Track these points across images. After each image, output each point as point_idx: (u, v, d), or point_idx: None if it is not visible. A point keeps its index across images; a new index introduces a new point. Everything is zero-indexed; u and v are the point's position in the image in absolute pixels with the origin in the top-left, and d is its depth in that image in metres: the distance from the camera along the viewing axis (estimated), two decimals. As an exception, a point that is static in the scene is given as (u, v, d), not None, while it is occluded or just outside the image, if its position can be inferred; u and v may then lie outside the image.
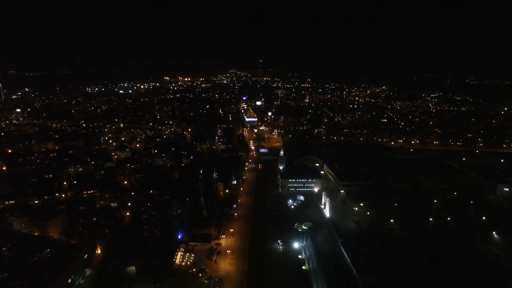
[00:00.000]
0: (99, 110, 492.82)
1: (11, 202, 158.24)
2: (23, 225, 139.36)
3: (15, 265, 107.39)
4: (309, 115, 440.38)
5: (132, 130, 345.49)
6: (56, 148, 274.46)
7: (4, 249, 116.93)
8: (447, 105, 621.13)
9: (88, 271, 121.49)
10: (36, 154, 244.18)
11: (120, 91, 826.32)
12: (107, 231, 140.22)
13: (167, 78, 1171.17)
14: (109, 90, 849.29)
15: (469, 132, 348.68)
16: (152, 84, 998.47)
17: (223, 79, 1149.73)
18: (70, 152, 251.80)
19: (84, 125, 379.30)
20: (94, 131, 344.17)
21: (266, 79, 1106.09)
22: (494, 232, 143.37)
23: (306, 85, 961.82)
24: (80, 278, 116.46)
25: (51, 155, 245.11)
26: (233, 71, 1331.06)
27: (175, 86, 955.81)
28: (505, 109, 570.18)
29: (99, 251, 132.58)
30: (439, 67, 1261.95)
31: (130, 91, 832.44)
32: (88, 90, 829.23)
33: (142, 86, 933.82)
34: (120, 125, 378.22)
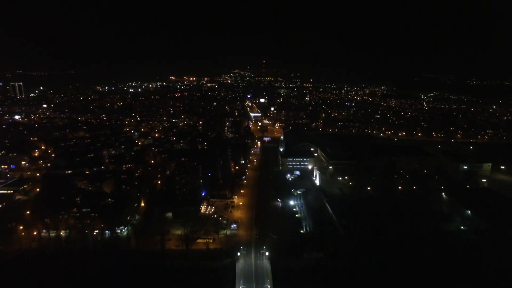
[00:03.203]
0: (115, 106, 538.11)
1: (69, 171, 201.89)
2: (83, 186, 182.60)
3: (91, 205, 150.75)
4: (309, 111, 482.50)
5: (150, 122, 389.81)
6: (87, 136, 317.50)
7: (77, 199, 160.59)
8: (440, 103, 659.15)
9: (137, 217, 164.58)
10: (74, 140, 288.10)
11: (130, 90, 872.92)
12: (147, 191, 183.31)
13: (173, 77, 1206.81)
14: (119, 89, 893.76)
15: (452, 126, 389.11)
16: (159, 83, 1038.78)
17: (227, 79, 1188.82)
18: (101, 139, 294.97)
19: (105, 118, 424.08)
20: (116, 123, 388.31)
21: (270, 79, 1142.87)
22: (443, 194, 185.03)
23: (308, 84, 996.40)
24: (133, 219, 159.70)
25: (86, 141, 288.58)
26: (236, 71, 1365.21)
27: (181, 85, 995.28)
28: (494, 107, 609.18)
29: (142, 204, 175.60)
30: (443, 68, 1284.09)
31: (139, 90, 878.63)
32: (99, 88, 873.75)
33: (150, 85, 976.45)
34: (137, 118, 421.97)
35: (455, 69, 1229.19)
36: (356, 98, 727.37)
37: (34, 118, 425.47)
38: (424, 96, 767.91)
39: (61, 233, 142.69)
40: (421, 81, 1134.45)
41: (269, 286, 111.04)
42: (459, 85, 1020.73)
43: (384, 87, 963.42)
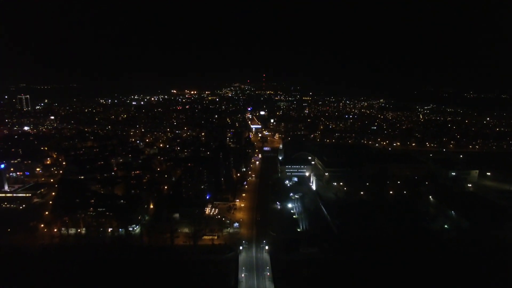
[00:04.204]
0: (120, 118, 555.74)
1: (82, 177, 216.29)
2: (96, 190, 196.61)
3: (106, 206, 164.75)
4: (307, 123, 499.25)
5: (155, 133, 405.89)
6: (95, 145, 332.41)
7: (92, 201, 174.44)
8: (435, 115, 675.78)
9: (147, 217, 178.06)
10: (83, 149, 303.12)
11: (133, 103, 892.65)
12: (155, 195, 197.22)
13: (174, 91, 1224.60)
14: (122, 102, 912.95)
15: (445, 137, 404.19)
16: (161, 96, 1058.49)
17: (228, 92, 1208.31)
18: (109, 148, 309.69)
19: (111, 129, 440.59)
20: (122, 134, 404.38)
21: (269, 92, 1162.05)
22: (430, 196, 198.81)
23: (308, 98, 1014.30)
24: (143, 219, 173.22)
25: (94, 150, 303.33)
26: (237, 84, 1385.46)
27: (183, 99, 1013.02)
28: (488, 118, 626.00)
29: (151, 206, 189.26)
30: (442, 81, 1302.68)
31: (142, 103, 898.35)
32: (103, 101, 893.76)
33: (152, 98, 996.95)
34: (142, 130, 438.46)
35: (454, 82, 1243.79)
36: (354, 110, 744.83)
37: (42, 129, 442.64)
38: (420, 109, 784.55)
39: (79, 230, 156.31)
40: (419, 94, 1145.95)
41: (268, 273, 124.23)
42: (457, 98, 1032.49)
43: (382, 100, 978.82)
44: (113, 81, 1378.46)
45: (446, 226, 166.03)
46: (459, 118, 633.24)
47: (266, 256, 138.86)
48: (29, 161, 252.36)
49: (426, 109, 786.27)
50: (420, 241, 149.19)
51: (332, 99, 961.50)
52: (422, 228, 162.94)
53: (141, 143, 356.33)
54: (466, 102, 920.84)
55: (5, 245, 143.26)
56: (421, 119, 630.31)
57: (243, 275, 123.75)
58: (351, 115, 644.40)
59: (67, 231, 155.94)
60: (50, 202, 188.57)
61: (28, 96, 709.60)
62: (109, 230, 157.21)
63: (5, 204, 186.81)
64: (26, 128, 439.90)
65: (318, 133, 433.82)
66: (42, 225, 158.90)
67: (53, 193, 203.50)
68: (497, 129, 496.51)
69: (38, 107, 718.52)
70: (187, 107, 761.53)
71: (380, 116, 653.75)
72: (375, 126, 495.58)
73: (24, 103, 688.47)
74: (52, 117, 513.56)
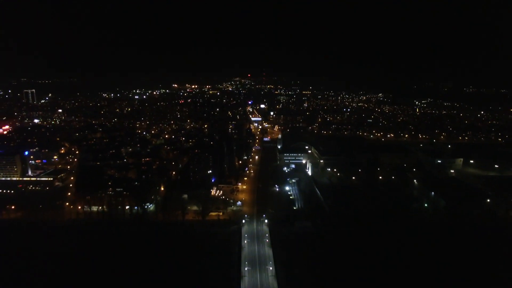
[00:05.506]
0: (125, 111, 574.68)
1: (98, 163, 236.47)
2: (112, 175, 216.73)
3: (123, 186, 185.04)
4: (306, 116, 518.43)
5: (160, 125, 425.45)
6: (105, 136, 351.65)
7: (109, 183, 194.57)
8: (431, 109, 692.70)
9: (158, 198, 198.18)
10: (94, 140, 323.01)
11: (136, 97, 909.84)
12: (165, 179, 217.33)
13: (176, 85, 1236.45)
14: (124, 96, 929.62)
15: (438, 129, 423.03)
16: (162, 90, 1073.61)
17: (228, 87, 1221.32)
18: (118, 139, 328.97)
19: (117, 121, 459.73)
20: (129, 126, 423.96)
21: (270, 87, 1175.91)
22: (415, 180, 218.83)
23: (307, 92, 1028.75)
24: (155, 199, 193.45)
25: (104, 140, 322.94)
26: (237, 79, 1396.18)
27: (184, 93, 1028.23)
28: (482, 112, 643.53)
29: (162, 189, 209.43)
30: (443, 76, 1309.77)
31: (144, 97, 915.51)
32: (106, 95, 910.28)
33: (154, 93, 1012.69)
34: (147, 122, 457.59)
35: (454, 77, 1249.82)
36: (352, 104, 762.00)
37: (51, 122, 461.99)
38: (418, 103, 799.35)
39: (100, 208, 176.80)
40: (419, 89, 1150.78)
41: (267, 240, 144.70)
42: (456, 93, 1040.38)
43: (380, 94, 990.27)
44: (114, 76, 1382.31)
45: (425, 205, 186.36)
46: (455, 112, 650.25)
47: (265, 228, 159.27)
48: (46, 150, 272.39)
49: (424, 103, 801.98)
50: (401, 217, 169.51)
51: (331, 93, 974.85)
52: (404, 206, 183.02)
53: (148, 134, 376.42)
54: (465, 97, 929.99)
55: (38, 220, 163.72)
56: (417, 112, 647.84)
57: (245, 241, 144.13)
58: (349, 108, 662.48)
59: (90, 208, 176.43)
60: (71, 185, 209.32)
61: (34, 90, 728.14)
62: (127, 208, 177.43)
63: (31, 187, 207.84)
64: (36, 120, 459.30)
65: (316, 125, 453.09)
66: (67, 204, 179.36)
67: (72, 178, 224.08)
68: (489, 122, 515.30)
69: (43, 101, 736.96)
70: (189, 100, 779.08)
71: (377, 109, 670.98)
72: (371, 119, 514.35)
73: (31, 97, 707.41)
74: (60, 110, 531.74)
